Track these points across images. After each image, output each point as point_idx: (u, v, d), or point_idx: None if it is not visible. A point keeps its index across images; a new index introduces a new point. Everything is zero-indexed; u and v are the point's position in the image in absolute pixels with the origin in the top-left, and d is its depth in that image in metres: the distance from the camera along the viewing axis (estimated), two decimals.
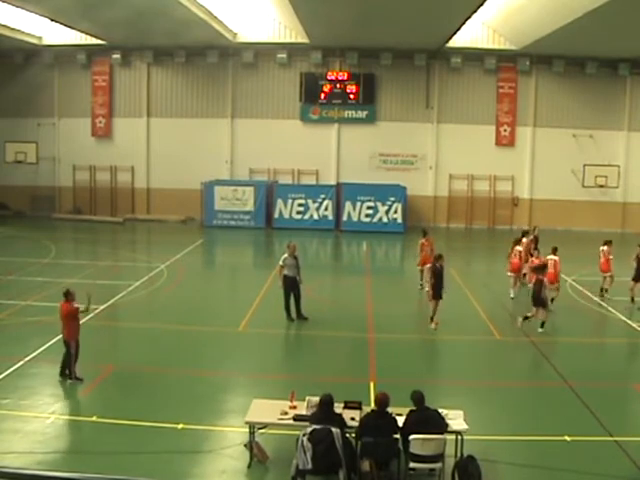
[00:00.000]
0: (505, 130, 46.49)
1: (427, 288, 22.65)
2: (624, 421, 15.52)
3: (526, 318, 21.74)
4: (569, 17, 32.80)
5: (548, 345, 20.77)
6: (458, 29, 38.67)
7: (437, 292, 21.65)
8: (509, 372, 18.96)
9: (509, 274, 26.65)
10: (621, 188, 45.91)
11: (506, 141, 46.54)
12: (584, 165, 45.11)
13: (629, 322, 23.49)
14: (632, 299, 25.61)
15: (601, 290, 26.55)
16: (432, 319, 21.84)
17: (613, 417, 15.27)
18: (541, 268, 22.31)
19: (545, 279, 21.86)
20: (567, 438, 13.92)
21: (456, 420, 12.47)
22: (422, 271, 26.37)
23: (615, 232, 43.02)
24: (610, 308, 25.05)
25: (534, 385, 17.87)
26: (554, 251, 25.29)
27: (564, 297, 25.91)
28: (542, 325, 21.60)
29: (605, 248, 26.50)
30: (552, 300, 25.52)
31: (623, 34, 35.68)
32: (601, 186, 45.26)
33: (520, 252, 26.59)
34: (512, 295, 26.24)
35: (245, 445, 12.74)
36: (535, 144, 46.45)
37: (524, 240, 27.96)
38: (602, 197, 46.21)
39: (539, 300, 21.44)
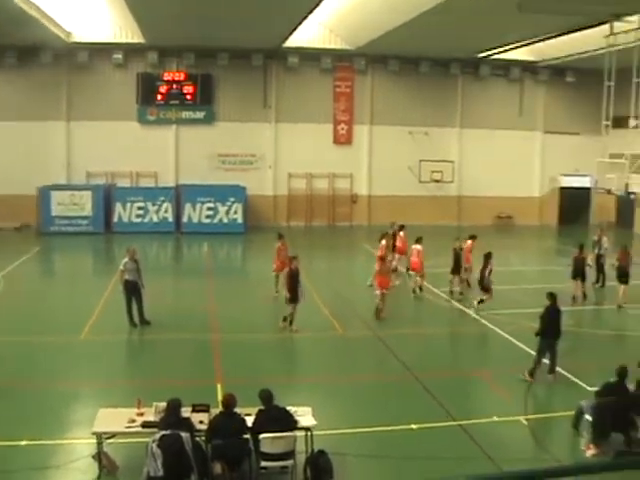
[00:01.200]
0: (342, 129, 47.26)
1: (285, 292, 21.91)
2: (467, 406, 16.26)
3: (481, 301, 23.84)
4: (402, 18, 33.61)
5: (392, 338, 21.26)
6: (295, 29, 38.96)
7: (294, 295, 21.40)
8: (355, 366, 19.34)
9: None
10: (456, 182, 47.83)
11: (344, 139, 47.34)
12: (420, 161, 46.62)
13: (469, 312, 24.32)
14: (452, 292, 26.69)
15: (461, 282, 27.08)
16: (285, 319, 21.76)
17: (457, 403, 16.02)
18: (488, 256, 23.81)
19: (490, 267, 23.65)
20: (413, 426, 14.40)
21: (305, 416, 12.63)
22: (277, 277, 25.57)
23: (451, 225, 44.53)
24: (453, 301, 25.91)
25: (380, 377, 18.28)
26: (418, 241, 26.19)
27: (407, 290, 26.59)
28: (480, 302, 23.80)
29: (469, 242, 27.14)
30: (420, 288, 26.24)
31: (454, 35, 36.96)
32: (437, 181, 46.96)
33: (384, 246, 26.79)
34: (369, 283, 26.17)
35: (93, 457, 12.45)
36: (372, 142, 47.47)
37: (401, 234, 29.04)
38: (438, 192, 47.80)
39: (483, 285, 23.72)
